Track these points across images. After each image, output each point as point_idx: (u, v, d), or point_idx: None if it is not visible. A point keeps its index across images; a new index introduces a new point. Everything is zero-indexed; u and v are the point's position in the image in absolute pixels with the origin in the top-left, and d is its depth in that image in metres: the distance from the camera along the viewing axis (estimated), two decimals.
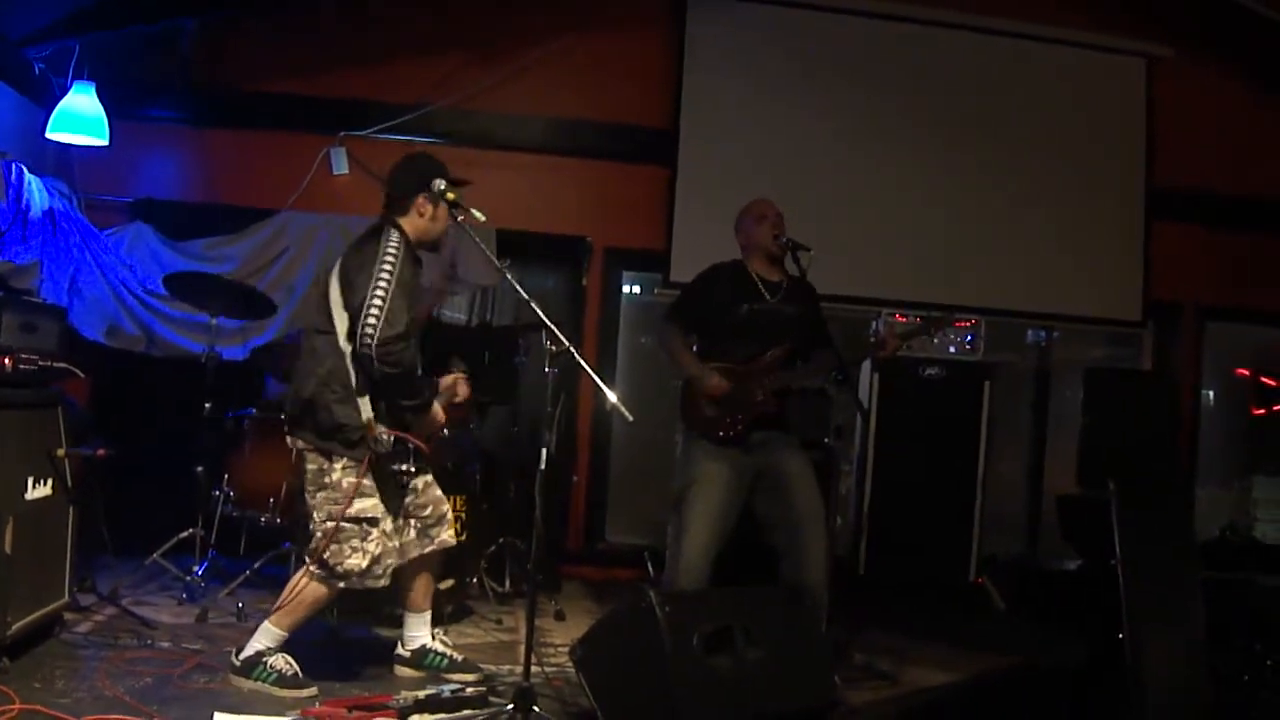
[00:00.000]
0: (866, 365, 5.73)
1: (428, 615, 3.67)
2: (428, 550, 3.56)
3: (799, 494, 3.77)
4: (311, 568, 3.35)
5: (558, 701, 3.41)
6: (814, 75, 6.16)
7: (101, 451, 3.76)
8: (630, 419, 3.21)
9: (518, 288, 3.36)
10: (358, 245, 3.41)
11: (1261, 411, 6.52)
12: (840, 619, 4.03)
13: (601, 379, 3.20)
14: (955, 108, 6.25)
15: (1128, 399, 4.43)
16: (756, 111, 6.09)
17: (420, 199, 3.41)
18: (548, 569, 5.23)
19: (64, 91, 5.08)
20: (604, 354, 6.11)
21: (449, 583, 4.35)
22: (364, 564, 3.31)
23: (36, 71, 5.12)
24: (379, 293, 3.20)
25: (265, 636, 3.34)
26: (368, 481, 3.33)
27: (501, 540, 5.00)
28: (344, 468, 3.32)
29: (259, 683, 3.28)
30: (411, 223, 3.42)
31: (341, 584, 3.34)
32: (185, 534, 4.57)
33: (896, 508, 5.65)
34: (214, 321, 4.69)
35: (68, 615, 3.75)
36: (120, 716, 2.93)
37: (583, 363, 3.21)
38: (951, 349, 5.87)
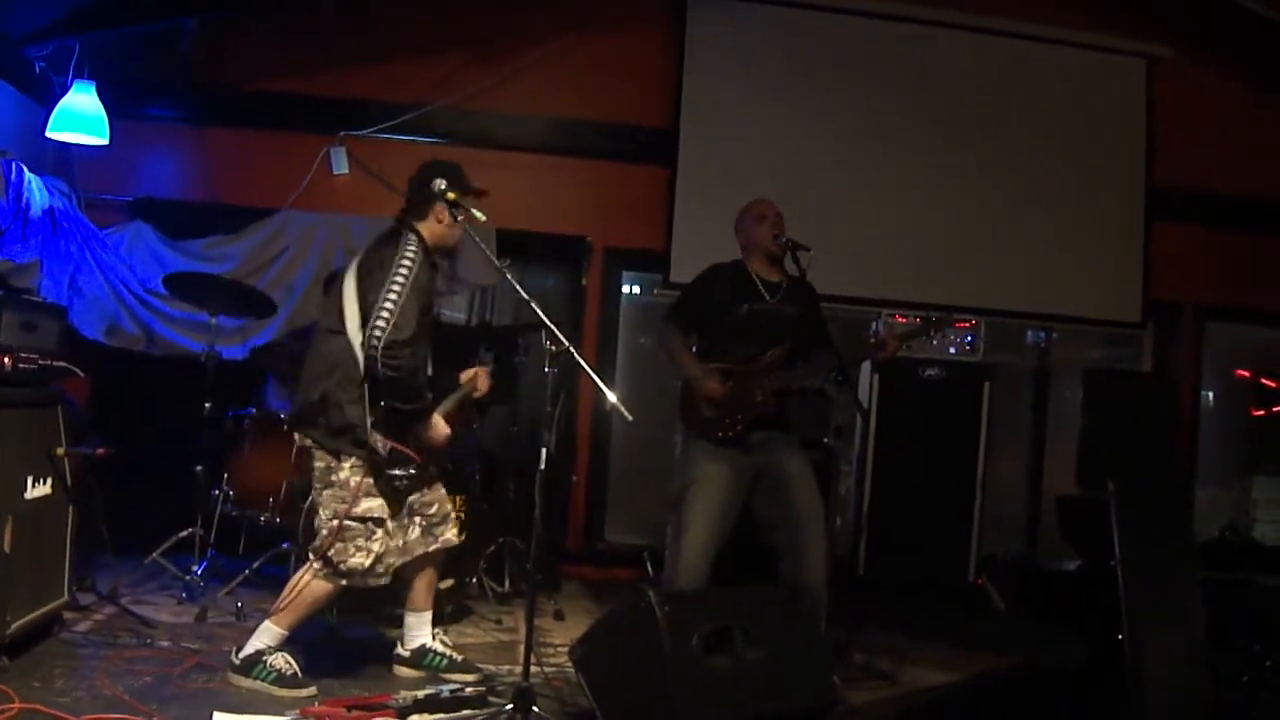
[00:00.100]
0: (866, 366, 5.72)
1: (428, 615, 3.67)
2: (432, 549, 3.57)
3: (799, 494, 3.77)
4: (315, 565, 3.36)
5: (557, 701, 3.41)
6: (814, 75, 6.16)
7: (101, 450, 3.76)
8: (630, 419, 3.22)
9: (517, 287, 3.36)
10: (376, 246, 3.44)
11: (1261, 412, 6.52)
12: (840, 619, 4.03)
13: (601, 379, 3.20)
14: (955, 108, 6.25)
15: (1127, 400, 4.42)
16: (756, 111, 6.09)
17: (439, 205, 3.43)
18: (547, 569, 5.23)
19: (64, 90, 5.08)
20: (604, 354, 6.11)
21: (448, 582, 4.35)
22: (367, 563, 3.33)
23: (37, 70, 5.12)
24: (392, 295, 3.24)
25: (265, 635, 3.34)
26: (374, 481, 3.35)
27: (501, 540, 5.00)
28: (352, 467, 3.34)
29: (258, 681, 3.28)
30: (429, 228, 3.45)
31: (344, 581, 3.35)
32: (185, 533, 4.57)
33: (896, 508, 5.65)
34: (214, 321, 4.69)
35: (67, 614, 3.75)
36: (119, 716, 2.93)
37: (582, 363, 3.21)
38: (951, 350, 5.87)
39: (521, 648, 3.17)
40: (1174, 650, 3.37)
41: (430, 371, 3.54)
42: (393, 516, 3.41)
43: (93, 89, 5.07)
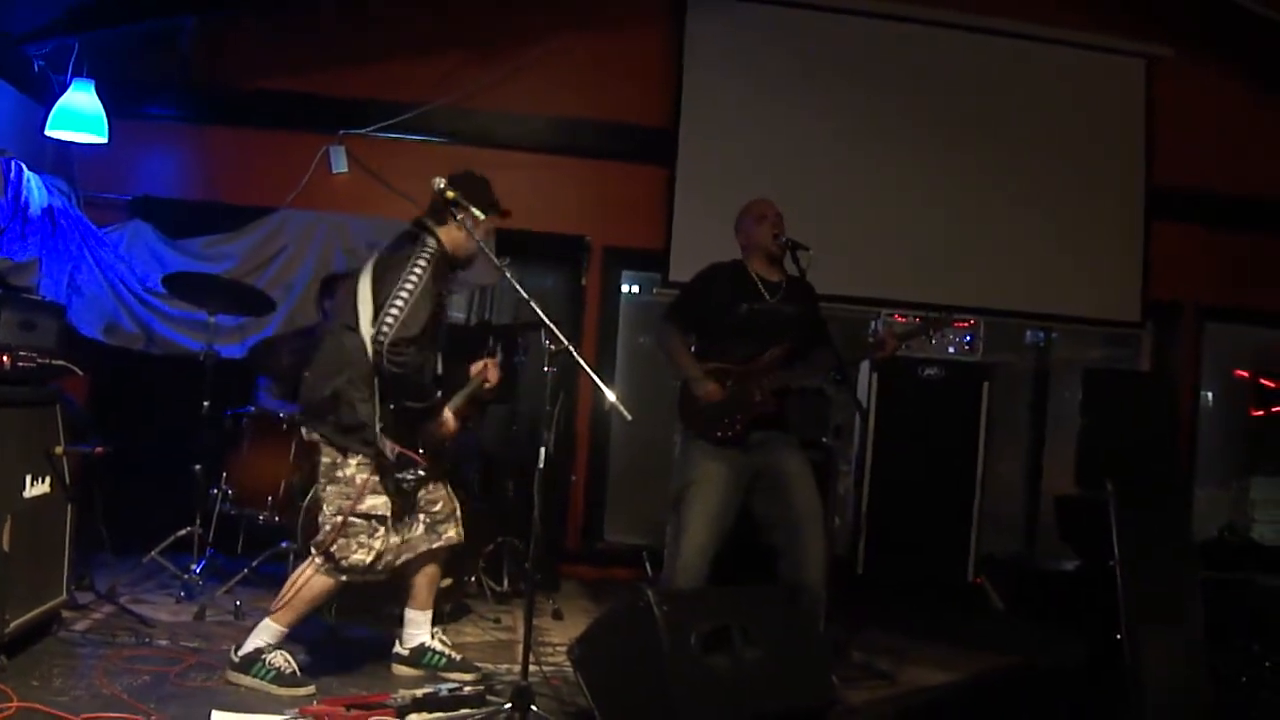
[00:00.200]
0: (865, 365, 5.73)
1: (429, 614, 3.68)
2: (435, 546, 3.58)
3: (797, 494, 3.77)
4: (316, 560, 3.37)
5: (555, 701, 3.41)
6: (814, 75, 6.16)
7: (100, 449, 3.76)
8: (629, 418, 3.21)
9: (517, 287, 3.36)
10: (394, 246, 3.46)
11: (1260, 413, 6.52)
12: (839, 618, 4.02)
13: (600, 378, 3.19)
14: (955, 108, 6.25)
15: (1126, 400, 4.41)
16: (756, 111, 6.09)
17: (459, 212, 3.44)
18: (546, 568, 5.23)
19: (63, 89, 5.08)
20: (603, 353, 6.11)
21: (447, 582, 4.34)
22: (368, 559, 3.34)
23: (36, 69, 5.12)
24: (403, 294, 3.26)
25: (265, 633, 3.35)
26: (379, 479, 3.35)
27: (500, 539, 4.99)
28: (359, 464, 3.35)
29: (257, 680, 3.28)
30: (449, 234, 3.46)
31: (344, 578, 3.36)
32: (183, 532, 4.56)
33: (895, 507, 5.65)
34: (212, 319, 4.69)
35: (66, 613, 3.75)
36: (118, 714, 2.92)
37: (581, 362, 3.20)
38: (950, 349, 5.87)
39: (520, 647, 3.16)
40: (1173, 650, 3.37)
41: (440, 370, 3.55)
42: (397, 515, 3.42)
43: (92, 88, 5.07)
